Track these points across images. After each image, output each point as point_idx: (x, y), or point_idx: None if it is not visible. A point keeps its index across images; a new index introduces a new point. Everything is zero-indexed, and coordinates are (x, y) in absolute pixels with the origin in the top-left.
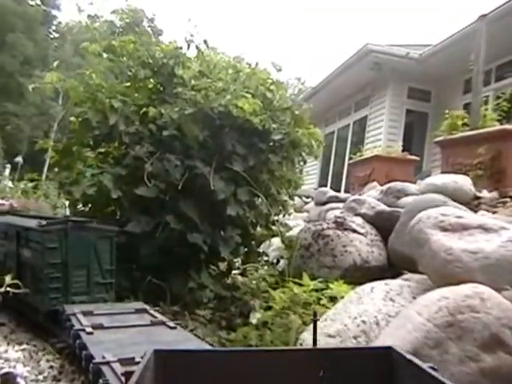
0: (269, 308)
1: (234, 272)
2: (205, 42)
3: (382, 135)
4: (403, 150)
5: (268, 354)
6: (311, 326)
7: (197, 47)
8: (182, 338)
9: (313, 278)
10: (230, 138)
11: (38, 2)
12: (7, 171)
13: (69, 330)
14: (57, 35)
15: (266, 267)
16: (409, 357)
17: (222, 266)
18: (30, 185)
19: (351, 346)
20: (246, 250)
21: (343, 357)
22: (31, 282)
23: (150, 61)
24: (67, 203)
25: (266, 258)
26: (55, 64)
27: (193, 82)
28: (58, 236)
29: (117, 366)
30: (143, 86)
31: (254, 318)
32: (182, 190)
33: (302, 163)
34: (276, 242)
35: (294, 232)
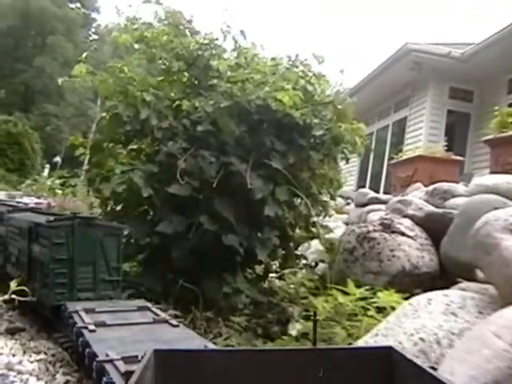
0: (308, 317)
1: (270, 275)
2: (242, 32)
3: (423, 136)
4: (447, 151)
5: (268, 354)
6: (358, 340)
7: (233, 38)
8: (184, 336)
9: (357, 285)
10: (269, 133)
11: (78, 5)
12: (46, 171)
13: (71, 327)
14: (96, 37)
15: (304, 271)
16: (409, 357)
17: (259, 269)
18: (58, 181)
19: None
20: (283, 252)
21: (343, 357)
22: (39, 277)
23: (185, 53)
24: (98, 202)
25: (304, 262)
26: (84, 55)
27: (229, 73)
28: (64, 232)
29: (120, 364)
30: (177, 79)
31: (294, 328)
32: (216, 189)
33: (344, 161)
34: (315, 244)
35: (334, 234)
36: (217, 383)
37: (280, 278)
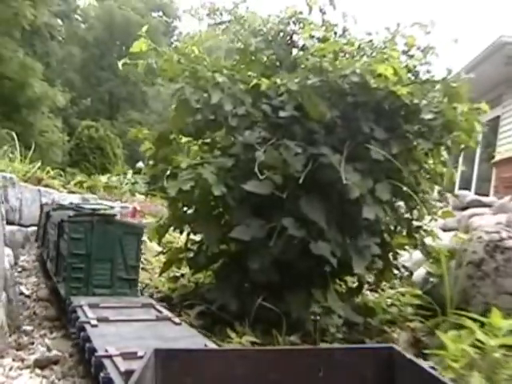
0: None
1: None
2: (330, 2)
3: None
4: None
5: (268, 353)
6: None
7: (320, 10)
8: (186, 334)
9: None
10: (366, 118)
11: (160, 14)
12: (129, 176)
13: (74, 321)
14: (178, 44)
15: (397, 281)
16: (409, 356)
17: (349, 279)
18: (114, 178)
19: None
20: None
21: (343, 357)
22: (61, 271)
23: (264, 28)
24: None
25: (405, 273)
26: (144, 29)
27: (317, 45)
28: (84, 228)
29: (119, 360)
30: (255, 59)
31: None
32: (303, 185)
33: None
34: (417, 253)
35: (440, 242)
36: (217, 383)
37: (372, 289)
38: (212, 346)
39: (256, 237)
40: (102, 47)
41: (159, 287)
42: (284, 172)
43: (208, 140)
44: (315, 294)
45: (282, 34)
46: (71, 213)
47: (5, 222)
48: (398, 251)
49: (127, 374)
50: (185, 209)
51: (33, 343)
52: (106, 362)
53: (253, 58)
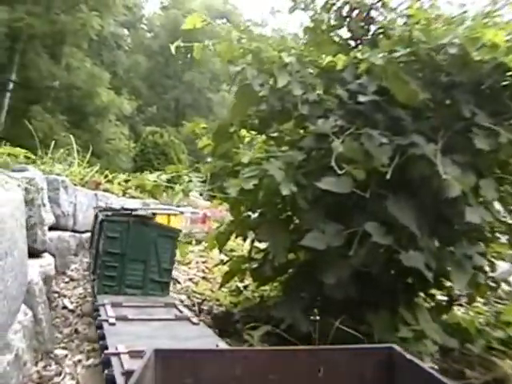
0: None
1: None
2: None
3: None
4: None
5: (268, 353)
6: None
7: None
8: (200, 334)
9: None
10: (466, 100)
11: (224, 21)
12: (195, 180)
13: (94, 319)
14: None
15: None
16: (409, 357)
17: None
18: (164, 177)
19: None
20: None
21: (344, 357)
22: (96, 269)
23: (337, 2)
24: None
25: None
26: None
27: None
28: (120, 227)
29: (125, 359)
30: (326, 39)
31: None
32: (389, 182)
33: None
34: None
35: None
36: (216, 381)
37: (460, 304)
38: (223, 346)
39: (332, 245)
40: (167, 55)
41: (220, 300)
42: (366, 166)
43: (274, 134)
44: (403, 315)
45: (358, 9)
46: (110, 212)
47: (46, 228)
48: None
49: (128, 374)
50: (249, 213)
51: (60, 374)
52: (114, 359)
53: (324, 37)
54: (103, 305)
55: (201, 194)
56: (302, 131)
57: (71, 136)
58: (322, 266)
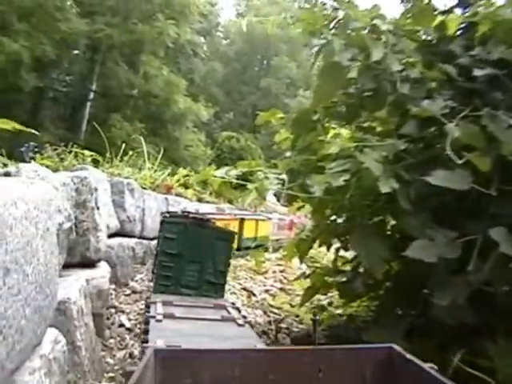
0: None
1: None
2: None
3: None
4: None
5: (268, 353)
6: None
7: None
8: (242, 336)
9: None
10: None
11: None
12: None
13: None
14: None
15: None
16: (408, 356)
17: None
18: (234, 172)
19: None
20: None
21: (344, 357)
22: (154, 269)
23: None
24: (310, 210)
25: None
26: None
27: None
28: (177, 228)
29: None
30: (427, 7)
31: None
32: None
33: None
34: None
35: None
36: (216, 381)
37: None
38: (261, 347)
39: (445, 257)
40: (243, 62)
41: (300, 316)
42: (490, 155)
43: (365, 124)
44: None
45: None
46: (168, 214)
47: (101, 234)
48: None
49: (127, 375)
50: (334, 217)
51: None
52: None
53: (425, 5)
54: (154, 302)
55: (278, 200)
56: (396, 119)
57: (141, 138)
58: (430, 282)
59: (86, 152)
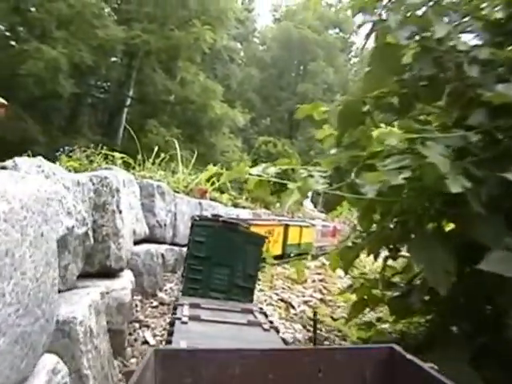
0: None
1: None
2: None
3: None
4: None
5: (269, 353)
6: None
7: None
8: (265, 340)
9: None
10: None
11: (337, 31)
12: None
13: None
14: (356, 60)
15: None
16: (409, 356)
17: None
18: (273, 170)
19: None
20: None
21: (344, 357)
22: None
23: None
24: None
25: None
26: None
27: None
28: (206, 232)
29: None
30: None
31: None
32: None
33: None
34: None
35: None
36: (215, 381)
37: None
38: None
39: None
40: (279, 67)
41: (343, 331)
42: None
43: (421, 117)
44: None
45: None
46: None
47: (125, 241)
48: None
49: (127, 375)
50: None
51: None
52: None
53: None
54: (182, 305)
55: (315, 206)
56: (456, 112)
57: (175, 140)
58: (504, 300)
59: (117, 154)
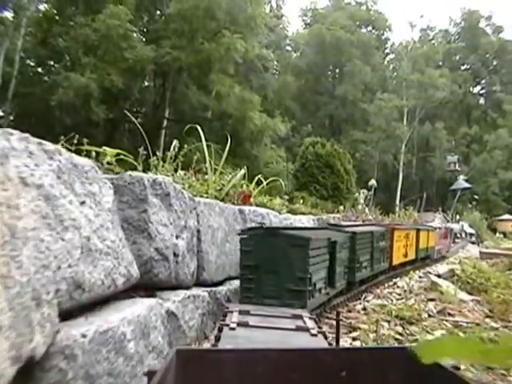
0: None
1: None
2: None
3: None
4: None
5: (289, 353)
6: None
7: None
8: (310, 344)
9: None
10: None
11: (369, 28)
12: (362, 196)
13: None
14: (392, 56)
15: None
16: None
17: None
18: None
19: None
20: None
21: (366, 357)
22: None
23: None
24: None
25: None
26: None
27: None
28: (252, 241)
29: None
30: None
31: None
32: None
33: None
34: None
35: None
36: (237, 381)
37: None
38: None
39: None
40: (315, 72)
41: None
42: None
43: None
44: None
45: None
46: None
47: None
48: None
49: (150, 375)
50: None
51: None
52: None
53: None
54: (231, 311)
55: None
56: None
57: (198, 127)
58: None
59: (108, 149)
